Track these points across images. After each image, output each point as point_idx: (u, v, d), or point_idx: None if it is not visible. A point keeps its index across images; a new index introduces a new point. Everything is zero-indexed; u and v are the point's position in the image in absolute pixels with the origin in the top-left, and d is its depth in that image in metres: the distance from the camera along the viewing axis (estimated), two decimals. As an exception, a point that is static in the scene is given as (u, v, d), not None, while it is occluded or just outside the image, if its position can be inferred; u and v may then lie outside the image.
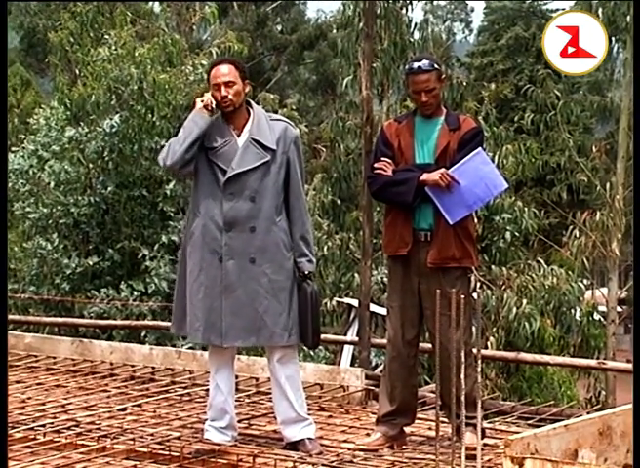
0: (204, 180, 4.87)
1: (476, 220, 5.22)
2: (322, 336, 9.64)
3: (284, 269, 4.83)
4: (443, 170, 4.83)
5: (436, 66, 4.89)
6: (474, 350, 4.66)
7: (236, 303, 4.75)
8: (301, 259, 4.87)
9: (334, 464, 4.62)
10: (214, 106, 4.84)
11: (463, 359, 4.42)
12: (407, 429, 5.10)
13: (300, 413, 4.89)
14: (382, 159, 4.94)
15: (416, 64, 4.92)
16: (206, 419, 5.05)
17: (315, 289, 4.88)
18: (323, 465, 4.61)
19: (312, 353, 13.04)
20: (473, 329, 4.68)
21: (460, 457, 4.37)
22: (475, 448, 4.42)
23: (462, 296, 4.43)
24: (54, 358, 6.98)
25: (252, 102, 4.98)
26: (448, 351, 4.53)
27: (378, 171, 4.94)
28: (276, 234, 4.82)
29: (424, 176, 4.83)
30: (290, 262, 4.86)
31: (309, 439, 4.86)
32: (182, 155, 4.82)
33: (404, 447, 4.98)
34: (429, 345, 5.24)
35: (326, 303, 15.40)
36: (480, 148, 4.92)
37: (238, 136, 4.87)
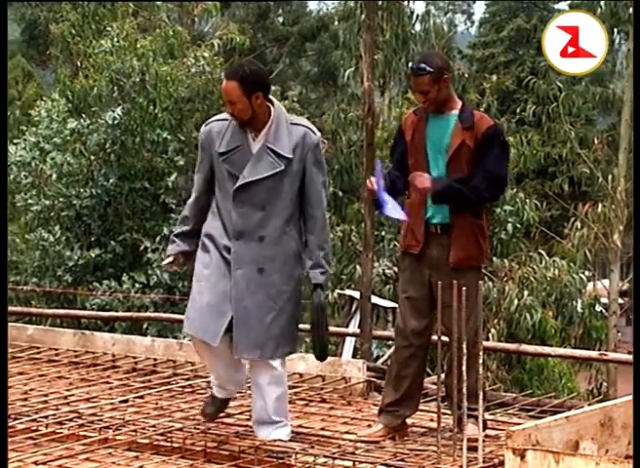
0: (219, 184, 4.74)
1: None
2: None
3: (292, 279, 4.71)
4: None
5: (429, 69, 4.79)
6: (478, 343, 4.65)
7: (245, 314, 4.64)
8: (315, 270, 4.72)
9: (335, 455, 4.63)
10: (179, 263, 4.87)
11: (465, 351, 4.43)
12: (408, 420, 5.11)
13: (272, 417, 4.82)
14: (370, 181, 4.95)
15: (413, 65, 4.92)
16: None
17: (321, 300, 4.71)
18: (325, 456, 4.62)
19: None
20: (479, 323, 4.66)
21: (461, 449, 4.38)
22: (477, 440, 4.43)
23: (471, 292, 4.44)
24: (56, 350, 6.98)
25: (274, 102, 4.73)
26: (458, 343, 4.54)
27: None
28: (286, 243, 4.69)
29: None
30: (298, 272, 4.74)
31: (281, 441, 4.81)
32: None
33: (406, 438, 4.99)
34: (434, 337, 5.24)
35: (328, 295, 15.41)
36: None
37: (254, 139, 4.68)
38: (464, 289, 4.41)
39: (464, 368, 4.42)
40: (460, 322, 4.45)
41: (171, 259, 4.83)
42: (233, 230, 4.68)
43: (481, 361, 4.46)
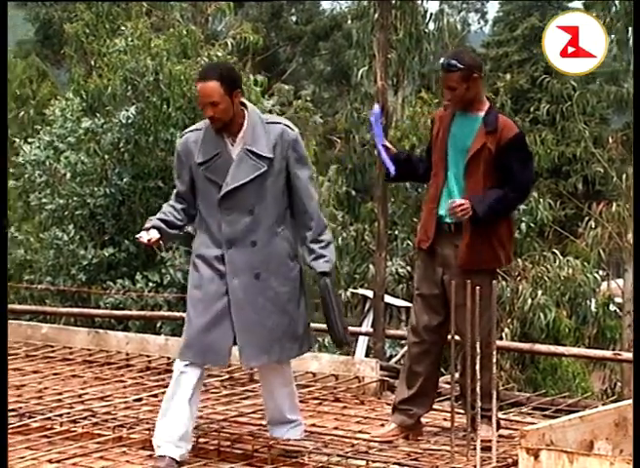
0: (202, 196, 4.64)
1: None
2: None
3: (289, 280, 4.66)
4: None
5: (460, 66, 4.80)
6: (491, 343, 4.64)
7: (247, 322, 4.57)
8: (318, 261, 4.65)
9: (349, 455, 4.63)
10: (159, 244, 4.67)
11: (479, 350, 4.42)
12: (422, 419, 5.10)
13: (288, 417, 4.82)
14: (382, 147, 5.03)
15: (444, 60, 4.91)
16: (222, 409, 5.06)
17: (326, 283, 4.63)
18: (338, 456, 4.62)
19: (327, 344, 13.06)
20: (493, 323, 4.64)
21: (474, 448, 4.38)
22: (490, 440, 4.43)
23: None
24: (70, 348, 7.01)
25: (247, 105, 4.65)
26: (470, 343, 4.53)
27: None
28: (278, 245, 4.63)
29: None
30: (295, 272, 4.68)
31: (295, 440, 4.81)
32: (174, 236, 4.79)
33: (419, 437, 4.98)
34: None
35: (341, 294, 15.41)
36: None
37: (232, 144, 4.59)
38: (477, 290, 4.41)
39: (478, 367, 4.41)
40: (472, 322, 4.45)
41: (144, 232, 4.59)
42: (224, 239, 4.59)
43: (494, 360, 4.45)
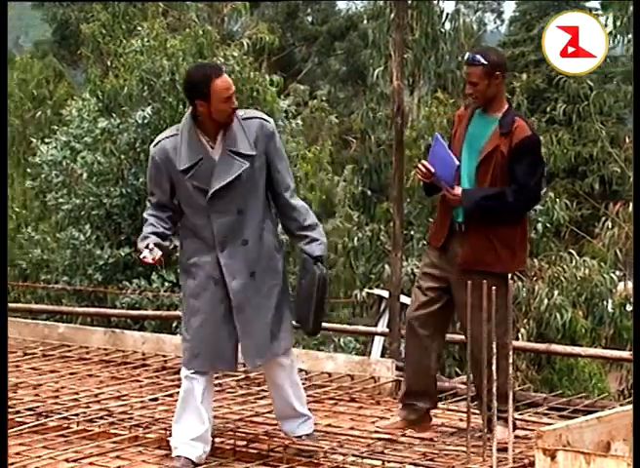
0: (187, 203, 4.59)
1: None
2: (353, 328, 9.55)
3: (278, 272, 4.67)
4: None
5: (483, 61, 4.80)
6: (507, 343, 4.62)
7: (248, 322, 4.57)
8: (311, 244, 4.64)
9: (364, 455, 4.63)
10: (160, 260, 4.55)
11: (495, 351, 4.41)
12: (438, 421, 5.10)
13: (297, 409, 4.82)
14: (422, 163, 4.94)
15: (469, 55, 4.93)
16: (238, 409, 5.07)
17: (324, 273, 4.62)
18: (354, 455, 4.62)
19: (343, 344, 13.06)
20: (509, 324, 4.61)
21: (491, 449, 4.37)
22: (507, 441, 4.42)
23: (496, 292, 4.42)
24: (86, 348, 7.03)
25: None
26: (478, 343, 4.52)
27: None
28: (266, 239, 4.63)
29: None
30: (280, 263, 4.68)
31: (307, 435, 4.82)
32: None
33: (435, 438, 4.98)
34: (460, 336, 5.23)
35: (356, 294, 15.42)
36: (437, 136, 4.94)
37: (212, 147, 4.54)
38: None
39: (494, 368, 4.40)
40: (479, 321, 4.44)
41: (147, 251, 4.51)
42: (216, 242, 4.56)
43: (511, 361, 4.44)
